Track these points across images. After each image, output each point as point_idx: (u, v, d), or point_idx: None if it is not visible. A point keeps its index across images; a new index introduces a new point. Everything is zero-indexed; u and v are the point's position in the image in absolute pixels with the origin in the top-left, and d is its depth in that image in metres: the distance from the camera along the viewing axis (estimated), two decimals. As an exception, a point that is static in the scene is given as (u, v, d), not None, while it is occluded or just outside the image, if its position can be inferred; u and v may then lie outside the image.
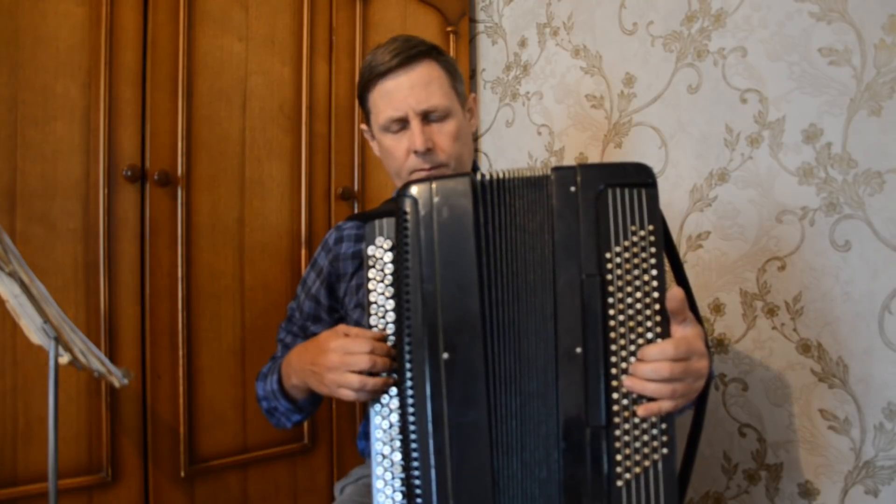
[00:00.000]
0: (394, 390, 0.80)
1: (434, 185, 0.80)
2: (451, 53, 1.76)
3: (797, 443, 1.25)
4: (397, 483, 0.78)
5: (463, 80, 1.09)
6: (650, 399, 0.74)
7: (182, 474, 1.25)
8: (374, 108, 1.04)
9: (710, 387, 0.84)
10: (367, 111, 1.07)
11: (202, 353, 1.29)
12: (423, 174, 1.01)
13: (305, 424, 1.44)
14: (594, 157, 1.63)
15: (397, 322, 0.80)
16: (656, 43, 1.48)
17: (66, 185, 1.13)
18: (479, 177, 0.81)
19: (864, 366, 1.15)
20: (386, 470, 0.79)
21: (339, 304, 1.12)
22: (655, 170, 0.79)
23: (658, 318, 0.75)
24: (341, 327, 0.85)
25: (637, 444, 0.74)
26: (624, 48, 1.55)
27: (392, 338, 0.81)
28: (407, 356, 0.79)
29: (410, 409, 0.78)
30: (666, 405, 0.73)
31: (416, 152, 1.00)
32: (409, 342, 0.79)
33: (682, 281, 0.86)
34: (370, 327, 0.82)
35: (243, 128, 1.36)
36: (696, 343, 0.75)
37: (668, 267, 0.82)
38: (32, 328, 0.86)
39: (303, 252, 1.44)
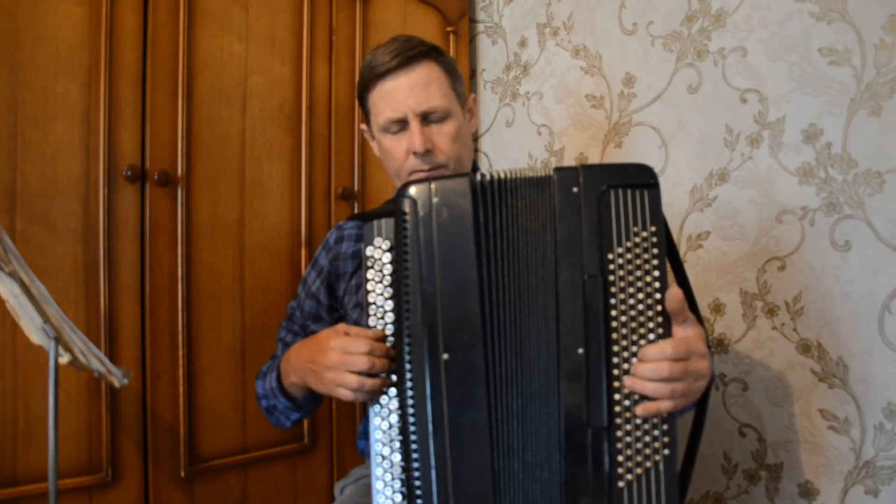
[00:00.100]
0: (393, 391, 0.80)
1: (433, 186, 0.80)
2: (451, 53, 1.76)
3: (797, 443, 1.25)
4: (397, 484, 0.78)
5: (463, 80, 1.09)
6: (650, 399, 0.74)
7: (182, 474, 1.25)
8: (374, 109, 1.04)
9: (711, 387, 0.84)
10: (367, 111, 1.07)
11: (202, 353, 1.29)
12: (422, 175, 1.01)
13: (305, 424, 1.44)
14: (594, 158, 1.63)
15: (396, 322, 0.80)
16: (656, 43, 1.48)
17: (66, 185, 1.13)
18: (478, 177, 0.81)
19: (864, 366, 1.15)
20: (385, 471, 0.79)
21: (339, 303, 1.12)
22: (655, 170, 0.79)
23: (660, 319, 0.75)
24: (341, 326, 0.85)
25: (638, 445, 0.74)
26: (624, 48, 1.55)
27: (391, 338, 0.80)
28: (406, 356, 0.79)
29: (410, 410, 0.78)
30: (665, 405, 0.73)
31: (415, 153, 1.00)
32: (409, 342, 0.79)
33: (682, 282, 0.86)
34: (369, 328, 0.82)
35: (243, 128, 1.36)
36: (696, 343, 0.75)
37: (668, 268, 0.82)
38: (32, 328, 0.86)
39: (303, 252, 1.44)
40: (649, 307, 0.75)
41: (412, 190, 0.81)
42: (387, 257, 0.82)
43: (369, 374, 0.79)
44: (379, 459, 0.79)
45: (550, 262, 0.78)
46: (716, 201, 1.36)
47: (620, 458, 0.74)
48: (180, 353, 1.25)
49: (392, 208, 0.82)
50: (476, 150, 1.92)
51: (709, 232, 1.38)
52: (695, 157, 1.40)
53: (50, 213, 1.12)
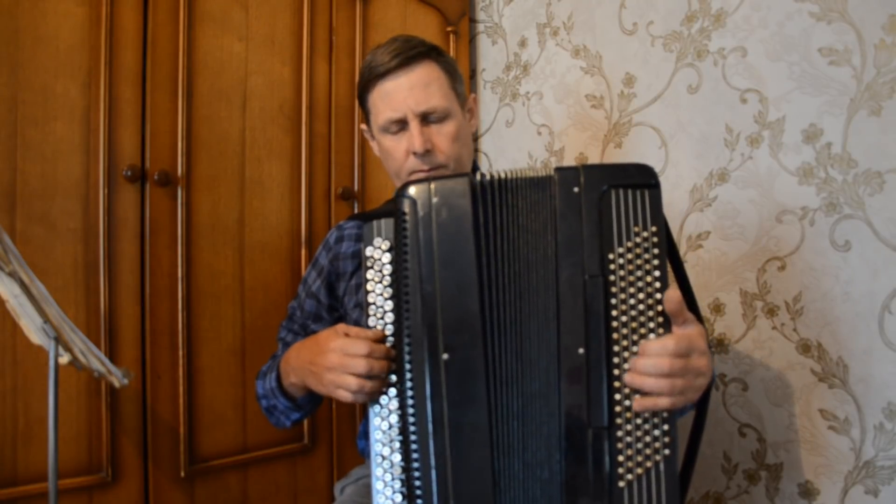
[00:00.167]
0: (393, 391, 0.80)
1: (433, 186, 0.80)
2: (451, 53, 1.76)
3: (797, 443, 1.25)
4: (397, 484, 0.78)
5: (463, 80, 1.09)
6: (648, 395, 0.73)
7: (182, 474, 1.25)
8: (374, 109, 1.04)
9: (712, 387, 0.84)
10: (367, 111, 1.07)
11: (202, 353, 1.29)
12: (422, 175, 1.01)
13: (305, 424, 1.44)
14: (594, 158, 1.63)
15: (396, 322, 0.80)
16: (656, 43, 1.48)
17: (66, 185, 1.13)
18: (478, 177, 0.81)
19: (864, 366, 1.15)
20: (385, 471, 0.79)
21: (339, 303, 1.12)
22: (655, 170, 0.79)
23: (660, 320, 0.75)
24: (341, 326, 0.84)
25: (639, 445, 0.74)
26: (624, 48, 1.55)
27: (391, 338, 0.80)
28: (406, 356, 0.79)
29: (410, 410, 0.78)
30: (663, 402, 0.73)
31: (415, 153, 1.00)
32: (409, 342, 0.79)
33: (683, 282, 0.86)
34: (369, 328, 0.82)
35: (243, 128, 1.36)
36: (698, 341, 0.75)
37: (669, 268, 0.82)
38: (32, 328, 0.86)
39: (303, 252, 1.44)
40: (650, 307, 0.75)
41: (412, 190, 0.81)
42: (386, 257, 0.82)
43: (369, 377, 0.79)
44: (379, 459, 0.79)
45: (551, 262, 0.78)
46: (716, 201, 1.36)
47: (621, 458, 0.74)
48: (180, 353, 1.25)
49: (392, 208, 0.82)
50: (476, 150, 1.92)
51: (709, 232, 1.38)
52: (695, 157, 1.40)
53: (50, 213, 1.12)
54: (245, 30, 1.36)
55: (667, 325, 0.75)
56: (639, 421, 0.74)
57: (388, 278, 0.81)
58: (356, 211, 1.55)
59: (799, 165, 1.23)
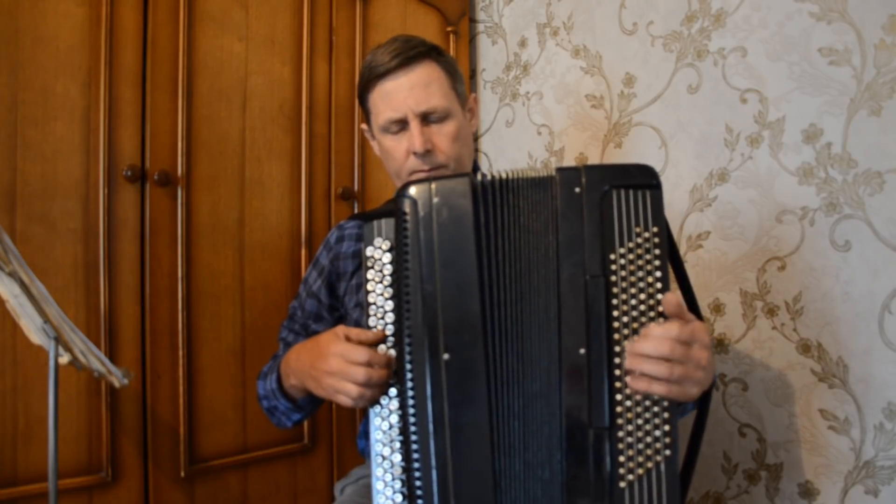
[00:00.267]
0: (394, 391, 0.80)
1: (433, 186, 0.80)
2: (451, 53, 1.75)
3: (797, 443, 1.25)
4: (397, 484, 0.78)
5: (463, 80, 1.09)
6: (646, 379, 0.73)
7: (182, 474, 1.25)
8: (374, 109, 1.04)
9: (713, 387, 0.84)
10: (367, 111, 1.07)
11: (202, 353, 1.29)
12: (422, 175, 1.00)
13: (305, 424, 1.44)
14: (594, 158, 1.63)
15: (397, 323, 0.80)
16: (656, 43, 1.48)
17: (66, 185, 1.13)
18: (479, 177, 0.81)
19: (864, 366, 1.15)
20: (386, 471, 0.79)
21: (340, 302, 1.12)
22: (655, 170, 0.79)
23: (661, 320, 0.75)
24: (341, 329, 0.84)
25: (640, 446, 0.74)
26: (624, 48, 1.55)
27: (392, 338, 0.80)
28: (407, 357, 0.78)
29: (411, 410, 0.78)
30: (657, 387, 0.72)
31: (415, 153, 1.00)
32: (409, 343, 0.78)
33: (683, 283, 0.86)
34: (369, 328, 0.82)
35: (243, 128, 1.36)
36: (702, 333, 0.75)
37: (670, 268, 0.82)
38: (32, 328, 0.86)
39: (303, 252, 1.44)
40: (651, 308, 0.75)
41: (412, 190, 0.81)
42: (387, 257, 0.81)
43: (368, 385, 0.79)
44: (379, 459, 0.79)
45: (552, 262, 0.78)
46: (716, 201, 1.36)
47: (622, 459, 0.74)
48: (180, 353, 1.25)
49: (392, 208, 0.82)
50: (476, 150, 1.92)
51: (709, 232, 1.38)
52: (695, 157, 1.40)
53: (50, 213, 1.12)
54: (245, 30, 1.36)
55: (668, 326, 0.75)
56: (640, 421, 0.74)
57: (388, 278, 0.81)
58: (356, 211, 1.55)
59: (799, 165, 1.23)
